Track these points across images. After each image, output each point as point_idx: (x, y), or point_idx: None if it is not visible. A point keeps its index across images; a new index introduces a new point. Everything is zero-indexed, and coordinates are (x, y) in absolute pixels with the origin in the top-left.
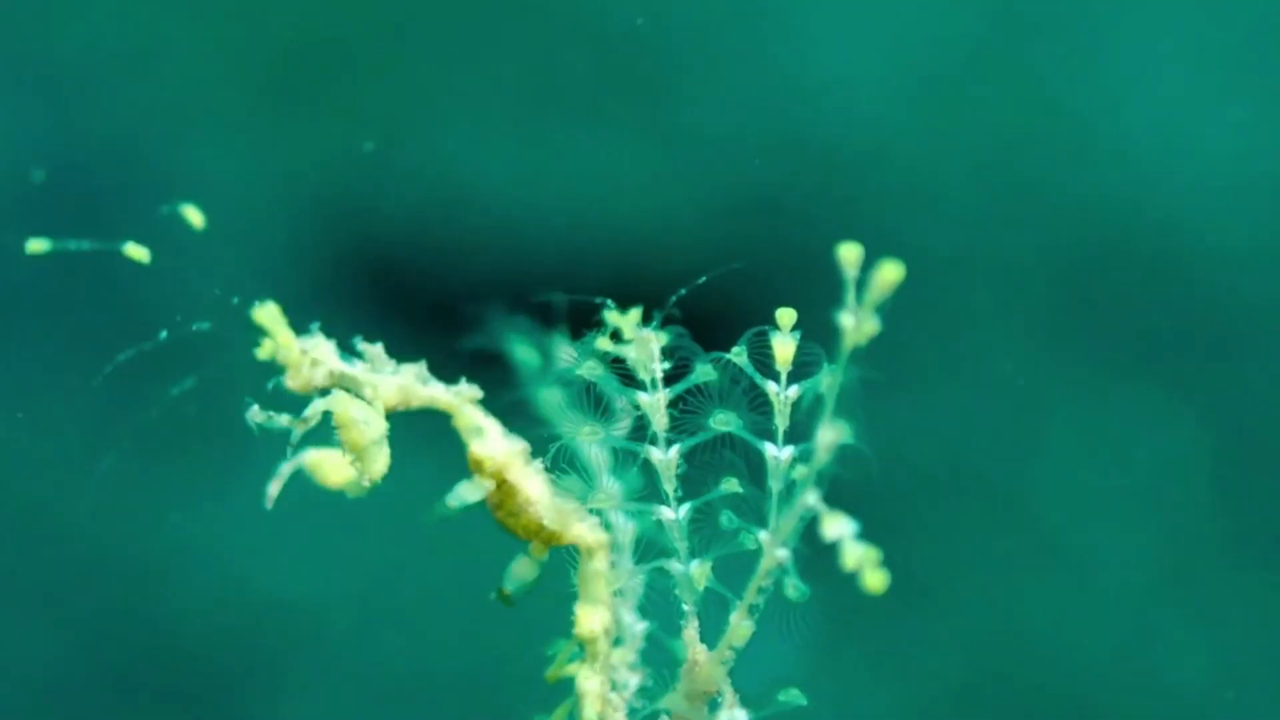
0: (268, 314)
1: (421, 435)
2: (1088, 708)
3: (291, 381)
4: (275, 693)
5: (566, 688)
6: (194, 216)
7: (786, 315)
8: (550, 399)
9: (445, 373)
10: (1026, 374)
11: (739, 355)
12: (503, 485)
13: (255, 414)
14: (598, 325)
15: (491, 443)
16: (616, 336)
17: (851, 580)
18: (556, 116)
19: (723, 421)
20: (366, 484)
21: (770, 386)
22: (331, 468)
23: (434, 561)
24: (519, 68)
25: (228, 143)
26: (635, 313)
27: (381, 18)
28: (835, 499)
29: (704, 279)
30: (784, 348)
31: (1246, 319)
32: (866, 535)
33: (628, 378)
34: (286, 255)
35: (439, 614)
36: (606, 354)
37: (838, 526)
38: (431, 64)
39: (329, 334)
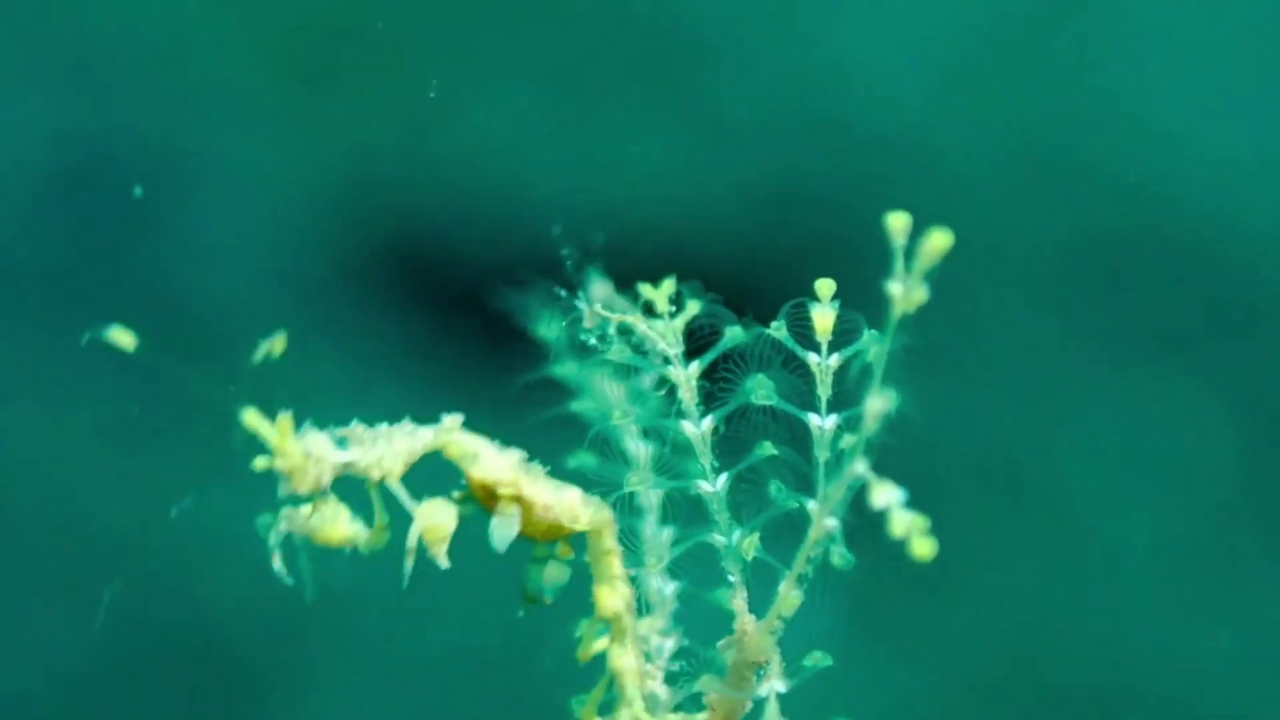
0: (261, 424)
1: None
2: (1115, 694)
3: (300, 487)
4: (307, 679)
5: (599, 667)
6: (123, 339)
7: (826, 286)
8: (579, 377)
9: (475, 365)
10: (1055, 360)
11: (778, 329)
12: (520, 501)
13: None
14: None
15: (491, 463)
16: (649, 309)
17: (882, 559)
18: (588, 102)
19: (759, 387)
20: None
21: (811, 357)
22: (333, 528)
23: (465, 546)
24: (550, 53)
25: (257, 129)
26: (668, 284)
27: (408, 6)
28: (880, 470)
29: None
30: (824, 318)
31: (1272, 305)
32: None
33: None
34: (315, 241)
35: (470, 600)
36: (631, 331)
37: (886, 494)
38: (463, 49)
39: (354, 325)
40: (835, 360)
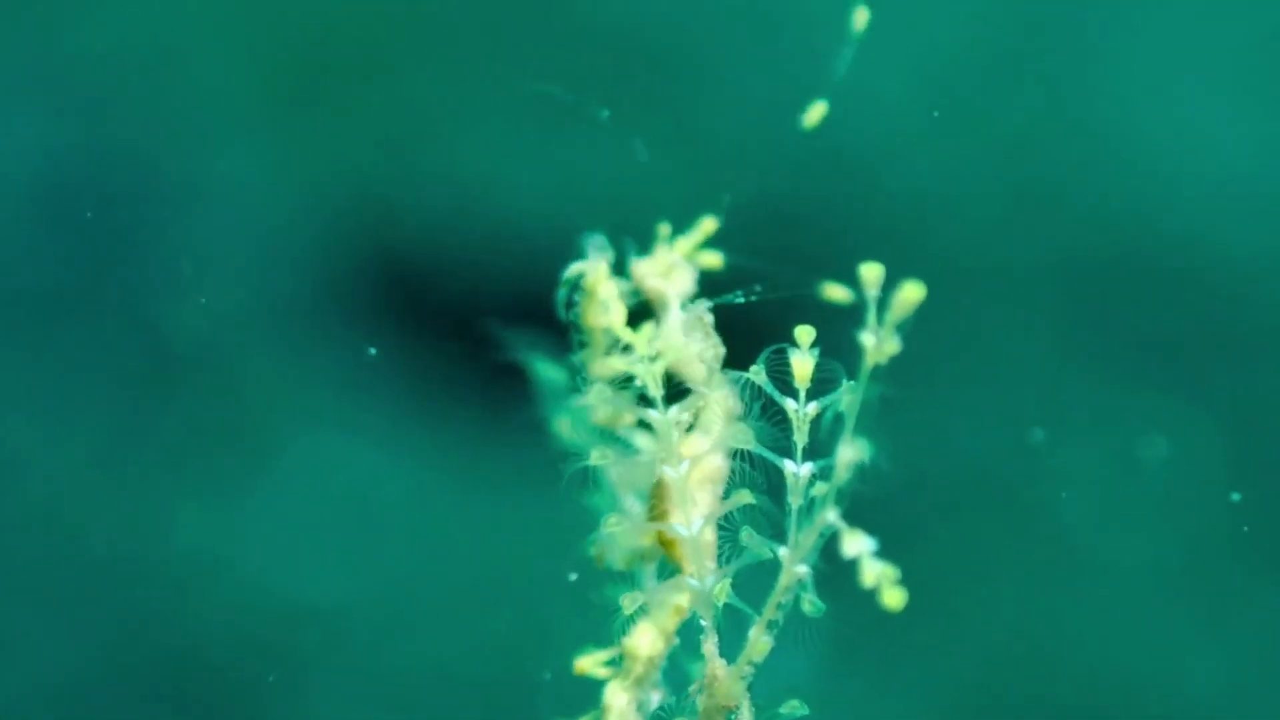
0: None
1: (438, 443)
2: (1104, 718)
3: (640, 266)
4: (296, 697)
5: (586, 693)
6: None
7: (805, 333)
8: (571, 418)
9: (463, 382)
10: (1043, 383)
11: (758, 374)
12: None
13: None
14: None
15: (707, 446)
16: (627, 351)
17: (868, 595)
18: (575, 124)
19: (740, 436)
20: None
21: (789, 404)
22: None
23: (454, 566)
24: (538, 76)
25: (245, 149)
26: (649, 326)
27: (400, 25)
28: (854, 514)
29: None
30: (803, 365)
31: (1263, 327)
32: (883, 548)
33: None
34: (304, 262)
35: (459, 619)
36: (617, 378)
37: (857, 544)
38: (451, 71)
39: (344, 341)
40: (813, 408)
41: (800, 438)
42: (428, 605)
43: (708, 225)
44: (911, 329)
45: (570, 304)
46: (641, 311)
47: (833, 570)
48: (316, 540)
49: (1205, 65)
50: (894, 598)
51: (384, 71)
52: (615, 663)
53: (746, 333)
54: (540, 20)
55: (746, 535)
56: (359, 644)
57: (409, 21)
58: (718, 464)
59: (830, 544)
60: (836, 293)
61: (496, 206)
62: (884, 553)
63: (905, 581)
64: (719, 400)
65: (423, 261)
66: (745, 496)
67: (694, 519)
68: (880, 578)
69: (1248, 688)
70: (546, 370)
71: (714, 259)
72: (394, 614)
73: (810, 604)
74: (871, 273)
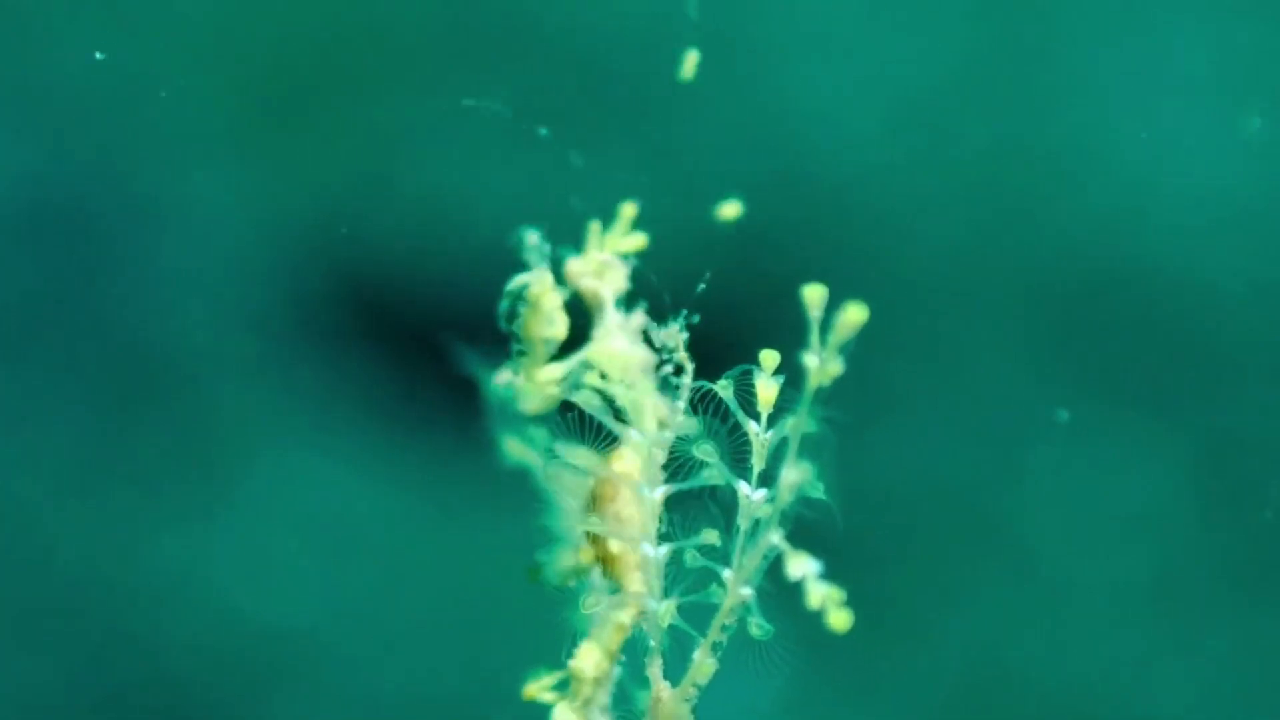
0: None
1: (409, 463)
2: None
3: (573, 265)
4: (268, 718)
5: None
6: (730, 210)
7: (770, 357)
8: (529, 435)
9: (434, 402)
10: (1011, 404)
11: (725, 389)
12: (613, 488)
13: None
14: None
15: (638, 461)
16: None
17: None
18: (548, 147)
19: (705, 451)
20: (530, 388)
21: (751, 426)
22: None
23: (426, 587)
24: (508, 96)
25: (217, 169)
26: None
27: (369, 46)
28: (808, 533)
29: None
30: (767, 390)
31: (1231, 350)
32: (846, 567)
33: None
34: (273, 283)
35: (432, 639)
36: (600, 390)
37: (801, 566)
38: (421, 91)
39: (315, 364)
40: (771, 435)
41: (759, 462)
42: (399, 625)
43: (628, 210)
44: (880, 349)
45: (513, 315)
46: (580, 318)
47: (786, 593)
48: (287, 560)
49: (1176, 90)
50: (840, 620)
51: (353, 92)
52: (564, 685)
53: (712, 354)
54: (510, 40)
55: (691, 558)
56: (331, 664)
57: (378, 42)
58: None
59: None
60: (730, 211)
61: (467, 226)
62: (849, 574)
63: (872, 604)
64: (651, 408)
65: (393, 281)
66: (712, 537)
67: (649, 536)
68: (825, 599)
69: (1217, 709)
70: (497, 387)
71: (638, 241)
72: (366, 634)
73: (758, 627)
74: (814, 294)
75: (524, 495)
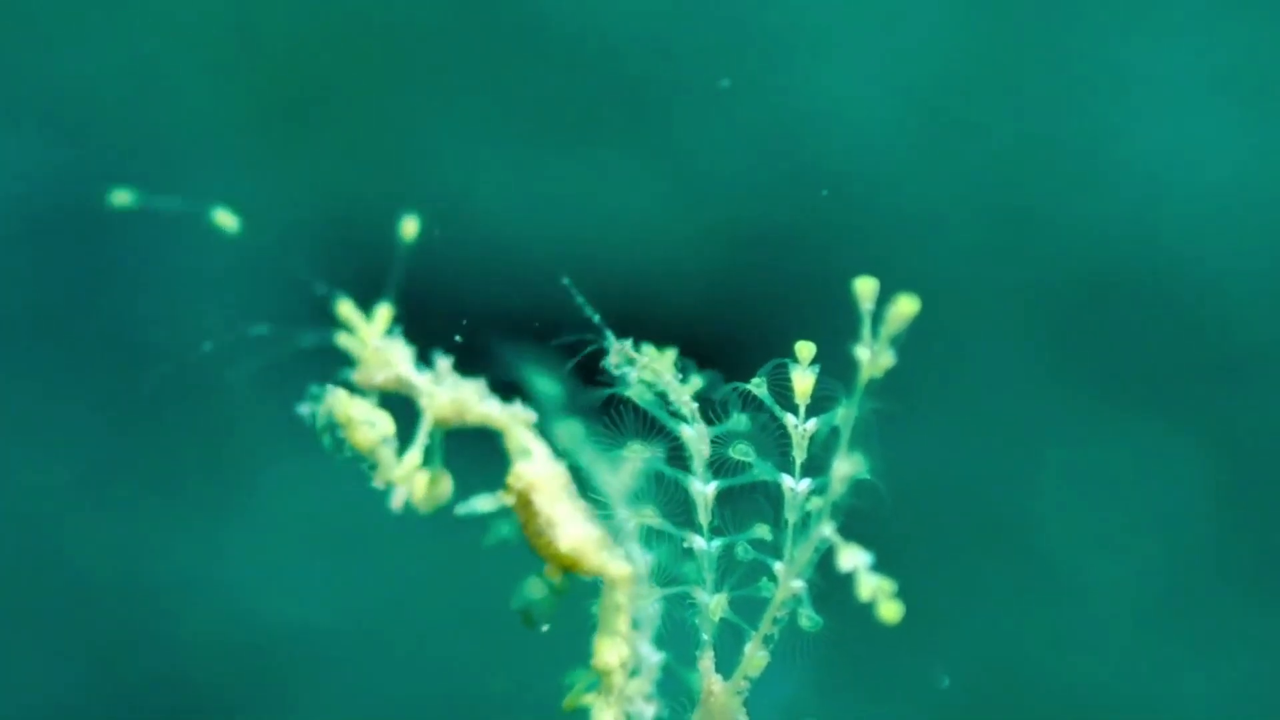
0: (347, 308)
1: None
2: None
3: (358, 377)
4: (280, 717)
5: (582, 717)
6: (226, 220)
7: (806, 349)
8: (570, 430)
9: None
10: (1027, 403)
11: (759, 386)
12: (526, 506)
13: (306, 407)
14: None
15: (536, 465)
16: (648, 375)
17: (856, 612)
18: (560, 145)
19: (742, 452)
20: (418, 502)
21: (789, 419)
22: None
23: (441, 587)
24: (521, 96)
25: (230, 171)
26: (671, 353)
27: (384, 46)
28: (848, 531)
29: None
30: (803, 381)
31: (1247, 348)
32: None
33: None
34: (286, 283)
35: (446, 639)
36: (650, 384)
37: (853, 557)
38: (434, 90)
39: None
40: (812, 425)
41: (799, 454)
42: (410, 625)
43: (384, 313)
44: (897, 349)
45: (337, 442)
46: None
47: (826, 587)
48: (300, 563)
49: (1188, 89)
50: (890, 611)
51: (368, 92)
52: (596, 684)
53: (745, 334)
54: (524, 39)
55: (743, 551)
56: (343, 663)
57: (393, 42)
58: (557, 471)
59: (825, 559)
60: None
61: (483, 224)
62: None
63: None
64: (515, 418)
65: (408, 281)
66: (764, 531)
67: (705, 533)
68: (876, 591)
69: (1230, 708)
70: (541, 383)
71: (386, 316)
72: (377, 636)
73: (807, 619)
74: (866, 286)
75: None
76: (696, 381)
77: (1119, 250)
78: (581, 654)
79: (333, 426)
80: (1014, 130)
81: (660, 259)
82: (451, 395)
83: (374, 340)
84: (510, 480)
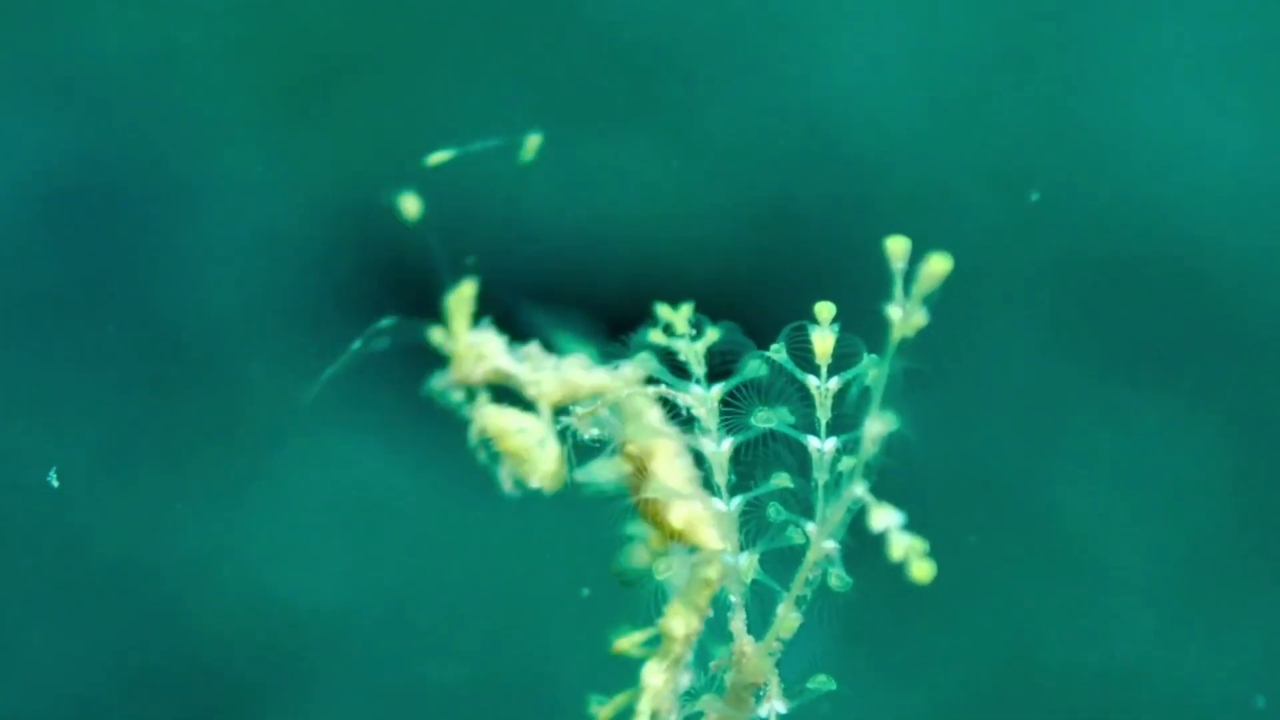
0: (457, 299)
1: (439, 444)
2: (1108, 715)
3: (454, 374)
4: (299, 700)
5: (610, 684)
6: (410, 206)
7: (825, 309)
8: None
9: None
10: (1044, 383)
11: (779, 352)
12: (641, 473)
13: (439, 381)
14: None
15: (649, 428)
16: (667, 331)
17: (876, 580)
18: (577, 124)
19: (765, 418)
20: (548, 484)
21: (811, 380)
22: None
23: (461, 565)
24: (539, 76)
25: (249, 150)
26: (686, 309)
27: (401, 25)
28: (878, 493)
29: None
30: (823, 341)
31: (1265, 328)
32: (877, 545)
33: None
34: (307, 262)
35: (462, 618)
36: (657, 347)
37: (885, 517)
38: (453, 70)
39: (345, 343)
40: (835, 383)
41: (823, 413)
42: (429, 606)
43: (467, 290)
44: (930, 309)
45: (489, 454)
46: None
47: (857, 546)
48: (319, 541)
49: (1207, 65)
50: (923, 570)
51: (385, 71)
52: (651, 643)
53: (765, 311)
54: (542, 19)
55: (774, 512)
56: (361, 642)
57: (410, 21)
58: (671, 440)
59: (854, 520)
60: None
61: (499, 206)
62: (880, 554)
63: (902, 582)
64: (629, 384)
65: (425, 265)
66: (784, 480)
67: (723, 494)
68: (909, 551)
69: (1249, 685)
70: (574, 348)
71: (469, 290)
72: (396, 615)
73: (838, 579)
74: (898, 246)
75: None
76: (712, 334)
77: (1138, 229)
78: (605, 630)
79: (485, 442)
80: (1033, 108)
81: (679, 236)
82: (557, 376)
83: (466, 336)
84: (627, 447)
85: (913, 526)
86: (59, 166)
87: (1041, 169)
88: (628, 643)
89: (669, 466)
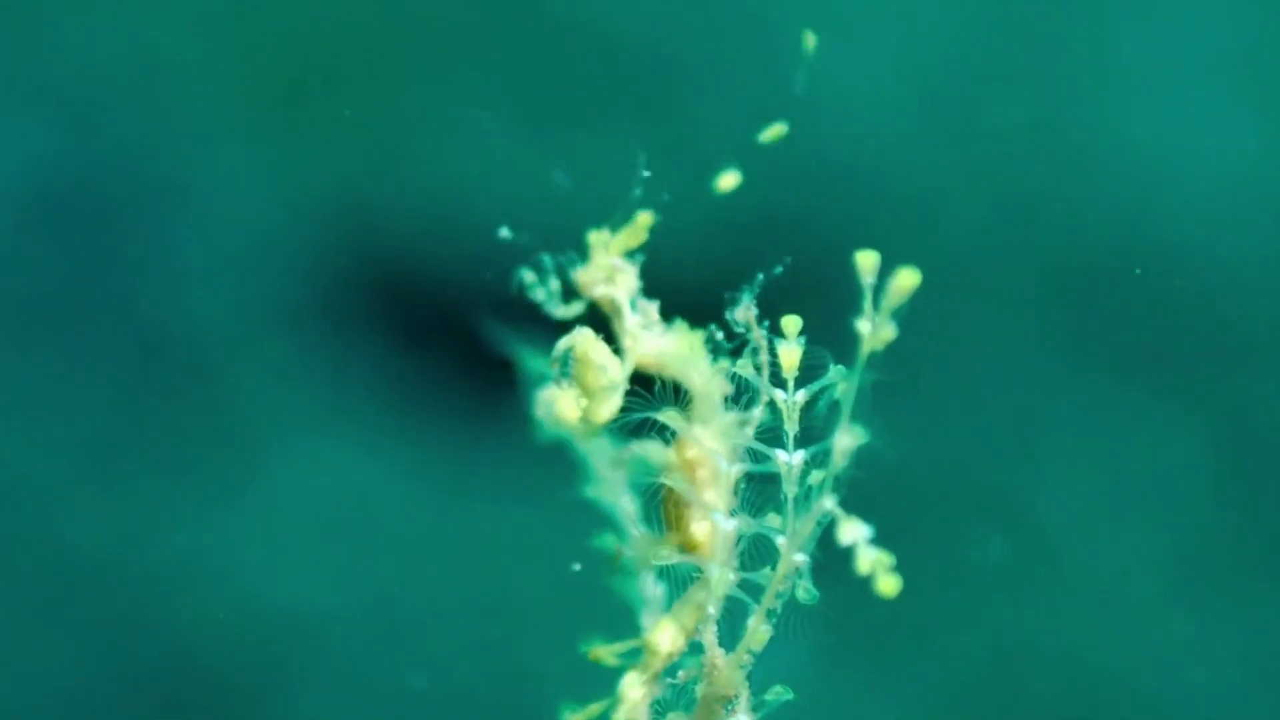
0: (635, 225)
1: (425, 449)
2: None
3: (583, 274)
4: (285, 704)
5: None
6: (644, 220)
7: (792, 322)
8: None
9: (451, 388)
10: (1029, 388)
11: (744, 366)
12: (682, 474)
13: (539, 291)
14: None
15: (710, 435)
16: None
17: (856, 590)
18: (566, 129)
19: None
20: (589, 426)
21: (778, 394)
22: (568, 401)
23: (441, 571)
24: (529, 80)
25: (235, 155)
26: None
27: (387, 29)
28: (848, 505)
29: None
30: (790, 355)
31: (1249, 330)
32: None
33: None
34: (292, 267)
35: (447, 624)
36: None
37: (853, 531)
38: (438, 75)
39: (333, 349)
40: (802, 396)
41: (791, 426)
42: (416, 610)
43: (644, 220)
44: (898, 331)
45: (565, 373)
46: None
47: (824, 561)
48: (305, 546)
49: (1193, 70)
50: (888, 585)
51: (371, 76)
52: (630, 655)
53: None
54: (526, 23)
55: (745, 525)
56: (349, 647)
57: (395, 26)
58: (725, 452)
59: (825, 533)
60: (729, 181)
61: (484, 211)
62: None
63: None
64: (712, 388)
65: (411, 267)
66: (774, 521)
67: (725, 514)
68: (875, 565)
69: (1233, 690)
70: (536, 363)
71: (640, 237)
72: (383, 619)
73: (805, 591)
74: (867, 260)
75: (542, 479)
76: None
77: (1125, 233)
78: (588, 637)
79: (565, 360)
80: (1020, 113)
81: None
82: (658, 344)
83: (616, 253)
84: (683, 443)
85: (895, 534)
86: (46, 171)
87: (1027, 172)
88: (605, 652)
89: (716, 477)
